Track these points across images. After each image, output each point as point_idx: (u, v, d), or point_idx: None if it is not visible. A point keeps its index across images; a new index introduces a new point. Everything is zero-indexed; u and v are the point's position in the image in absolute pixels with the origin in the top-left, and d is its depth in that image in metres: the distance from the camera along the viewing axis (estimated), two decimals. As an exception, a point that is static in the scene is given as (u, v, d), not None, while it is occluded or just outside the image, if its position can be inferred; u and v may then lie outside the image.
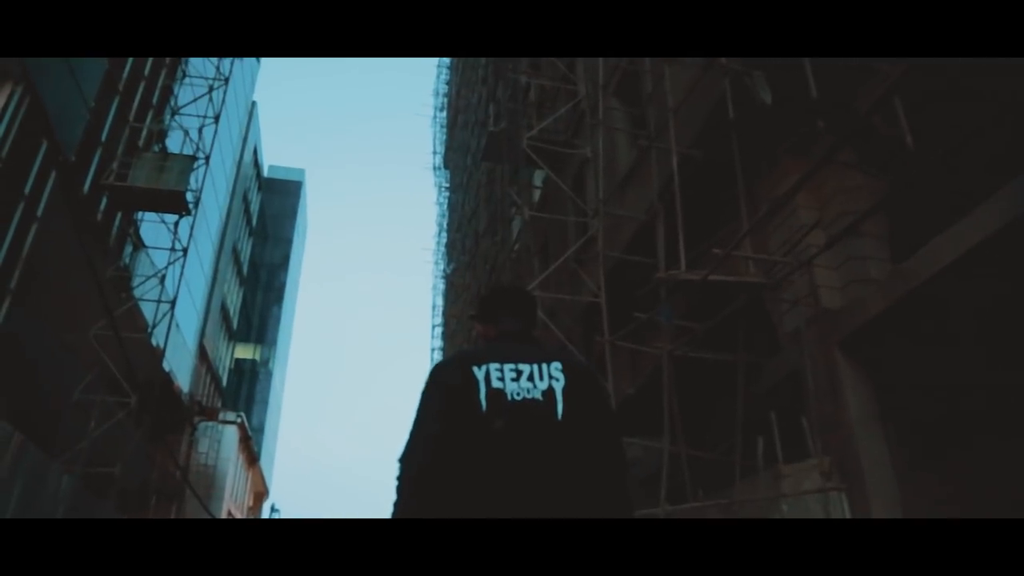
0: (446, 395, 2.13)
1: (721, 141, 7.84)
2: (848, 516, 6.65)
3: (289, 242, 46.61)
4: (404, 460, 2.11)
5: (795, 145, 8.04)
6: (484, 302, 2.55)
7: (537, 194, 15.09)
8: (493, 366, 2.16)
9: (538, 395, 2.13)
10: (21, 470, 8.03)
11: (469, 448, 2.06)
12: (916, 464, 6.87)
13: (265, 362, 43.18)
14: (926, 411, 6.88)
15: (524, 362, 2.19)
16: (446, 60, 37.55)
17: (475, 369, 2.15)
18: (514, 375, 2.15)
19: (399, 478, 2.09)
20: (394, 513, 2.06)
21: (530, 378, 2.16)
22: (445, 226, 36.31)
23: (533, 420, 2.10)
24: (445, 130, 38.41)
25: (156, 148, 17.56)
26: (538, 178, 15.00)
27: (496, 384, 2.13)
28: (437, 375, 2.21)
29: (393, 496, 2.09)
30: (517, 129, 12.41)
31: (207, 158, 17.54)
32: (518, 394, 2.11)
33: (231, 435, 26.78)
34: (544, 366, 2.20)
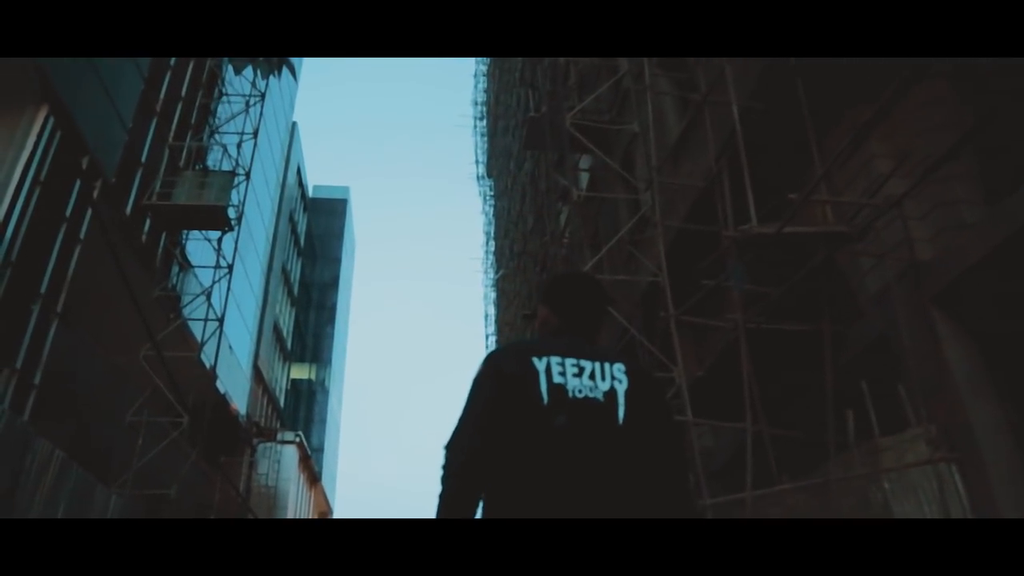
0: (502, 383, 1.99)
1: (783, 89, 7.16)
2: (961, 488, 5.87)
3: (338, 261, 46.79)
4: (450, 448, 1.96)
5: (866, 89, 7.31)
6: (554, 286, 2.37)
7: (584, 179, 14.51)
8: (554, 359, 2.03)
9: (599, 395, 1.99)
10: (64, 492, 7.73)
11: (527, 442, 1.92)
12: (1038, 427, 6.05)
13: (321, 382, 43.34)
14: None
15: (586, 359, 2.06)
16: (483, 68, 37.46)
17: (535, 360, 2.02)
18: (576, 371, 2.02)
19: (444, 467, 1.95)
20: (439, 503, 1.92)
21: (592, 376, 2.02)
22: (492, 234, 36.10)
23: (594, 421, 1.96)
24: (486, 138, 38.30)
25: (197, 167, 17.53)
26: (584, 163, 14.43)
27: (557, 379, 1.99)
28: (493, 361, 2.06)
29: (438, 487, 1.95)
30: (559, 113, 11.85)
31: (247, 173, 17.42)
32: (580, 391, 1.98)
33: (291, 455, 26.66)
34: (607, 365, 2.06)
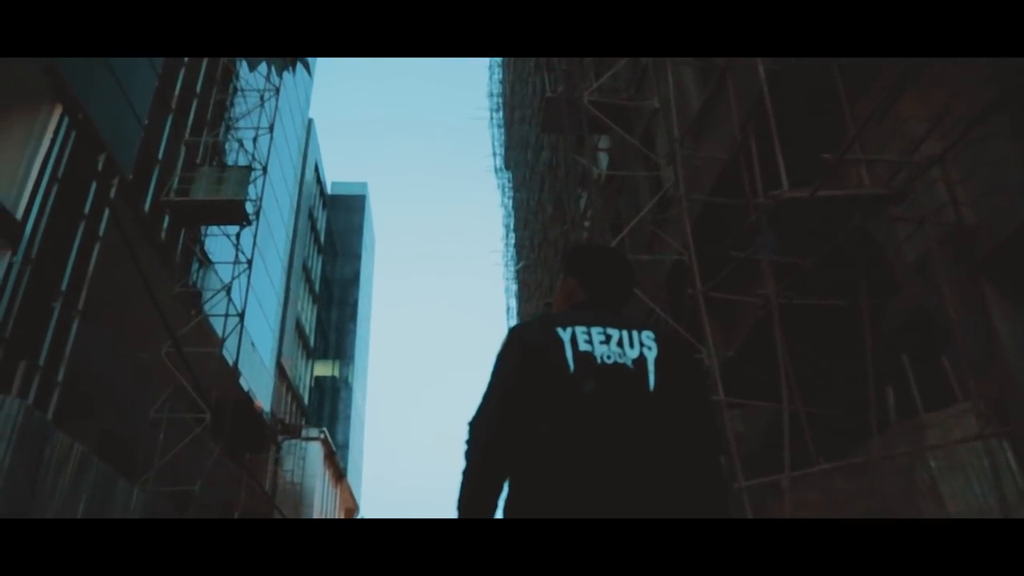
0: (527, 355, 1.92)
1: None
2: (1014, 464, 5.55)
3: (358, 257, 46.78)
4: (474, 423, 1.91)
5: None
6: (579, 257, 2.28)
7: (604, 160, 14.22)
8: (579, 329, 1.96)
9: (628, 362, 1.92)
10: (85, 486, 7.63)
11: (556, 411, 1.84)
12: (1095, 397, 5.71)
13: (345, 378, 43.39)
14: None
15: (613, 327, 1.99)
16: (497, 59, 37.19)
17: (559, 330, 1.95)
18: (603, 338, 1.95)
19: (468, 442, 1.90)
20: (463, 479, 1.87)
21: (620, 343, 1.95)
22: (512, 226, 35.91)
23: (624, 387, 1.88)
24: (503, 130, 38.09)
25: (214, 163, 17.49)
26: (603, 144, 14.15)
27: (584, 346, 1.92)
28: (517, 334, 2.00)
29: (462, 462, 1.90)
30: (576, 92, 11.57)
31: (264, 168, 17.33)
32: (608, 357, 1.91)
33: (315, 451, 26.62)
34: (635, 333, 2.00)
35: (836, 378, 7.67)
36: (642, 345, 1.97)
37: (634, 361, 1.93)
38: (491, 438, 1.87)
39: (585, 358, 1.90)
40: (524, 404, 1.88)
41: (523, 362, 1.92)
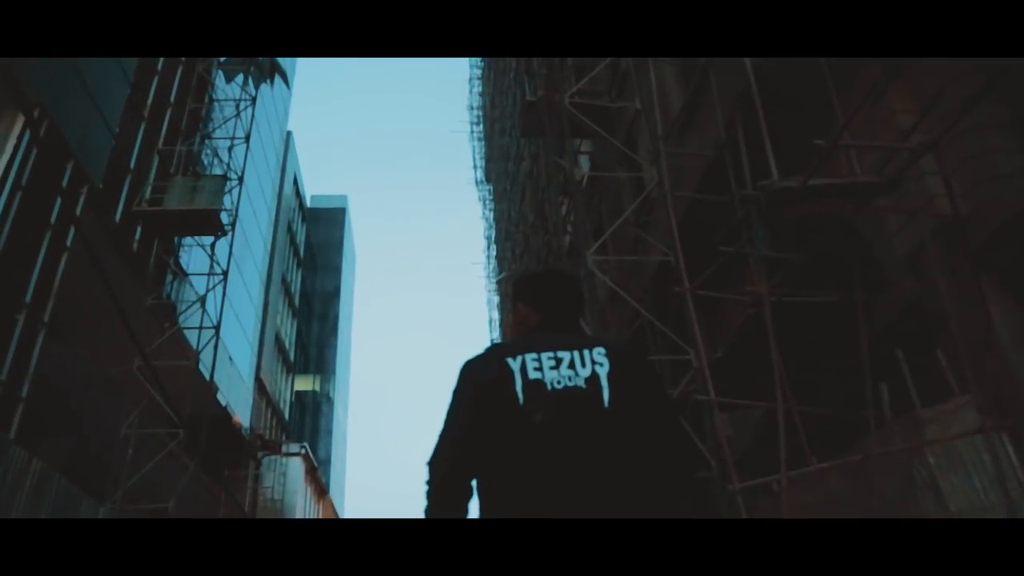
0: (478, 391, 1.97)
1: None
2: (1014, 459, 5.37)
3: (338, 271, 46.38)
4: (432, 464, 1.96)
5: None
6: (529, 283, 2.30)
7: (585, 164, 14.07)
8: (529, 356, 1.98)
9: (580, 382, 1.93)
10: (45, 504, 7.23)
11: (508, 445, 1.88)
12: (1096, 389, 5.55)
13: (326, 393, 42.85)
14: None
15: (563, 349, 2.00)
16: (477, 72, 37.26)
17: (510, 361, 1.97)
18: (553, 363, 1.97)
19: (428, 483, 1.94)
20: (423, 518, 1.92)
21: (571, 365, 1.97)
22: (493, 238, 35.85)
23: (578, 409, 1.90)
24: (483, 143, 38.15)
25: (188, 172, 17.13)
26: (586, 147, 14.00)
27: (533, 375, 1.94)
28: (468, 371, 2.04)
29: (423, 502, 1.94)
30: (557, 95, 11.40)
31: (240, 178, 17.00)
32: (559, 382, 1.93)
33: (296, 467, 26.15)
34: (585, 352, 2.00)
35: (829, 376, 7.49)
36: (594, 362, 1.97)
37: (587, 380, 1.93)
38: (447, 476, 1.90)
39: (535, 386, 1.91)
40: (479, 441, 1.91)
41: (475, 399, 1.95)
